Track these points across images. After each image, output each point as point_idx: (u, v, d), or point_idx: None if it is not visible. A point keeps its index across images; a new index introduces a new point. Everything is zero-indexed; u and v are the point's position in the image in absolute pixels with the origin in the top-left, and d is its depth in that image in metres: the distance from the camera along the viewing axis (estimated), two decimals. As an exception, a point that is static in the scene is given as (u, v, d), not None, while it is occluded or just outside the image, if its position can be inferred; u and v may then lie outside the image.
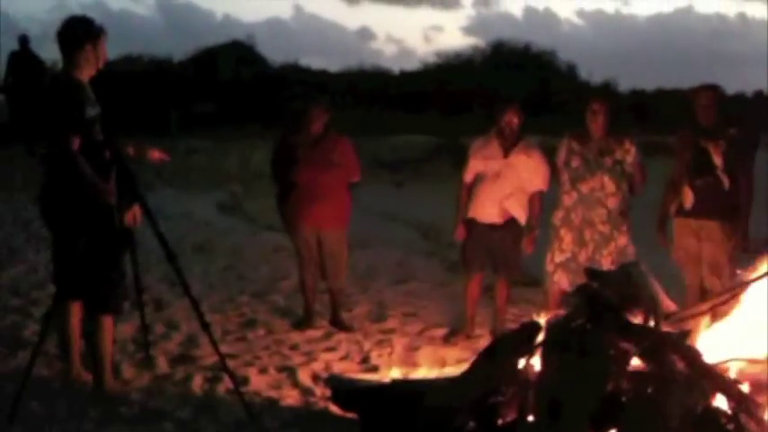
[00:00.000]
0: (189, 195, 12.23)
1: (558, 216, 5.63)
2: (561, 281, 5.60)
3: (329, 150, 5.90)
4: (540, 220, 5.77)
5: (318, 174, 5.82)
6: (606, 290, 3.72)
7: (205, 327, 4.37)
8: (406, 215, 11.12)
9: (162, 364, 5.10)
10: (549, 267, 5.66)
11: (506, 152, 5.64)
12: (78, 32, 4.29)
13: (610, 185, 5.47)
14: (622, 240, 5.50)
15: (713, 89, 5.40)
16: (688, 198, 5.30)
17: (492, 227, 5.66)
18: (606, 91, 20.07)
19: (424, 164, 15.26)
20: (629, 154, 5.52)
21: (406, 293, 7.19)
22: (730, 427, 3.36)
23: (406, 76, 23.26)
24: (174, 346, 5.49)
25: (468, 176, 5.76)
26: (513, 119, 5.64)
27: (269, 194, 6.76)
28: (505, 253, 5.72)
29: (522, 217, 5.69)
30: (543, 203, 5.77)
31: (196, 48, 22.38)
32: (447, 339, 5.76)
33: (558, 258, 5.61)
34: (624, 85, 22.51)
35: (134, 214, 4.37)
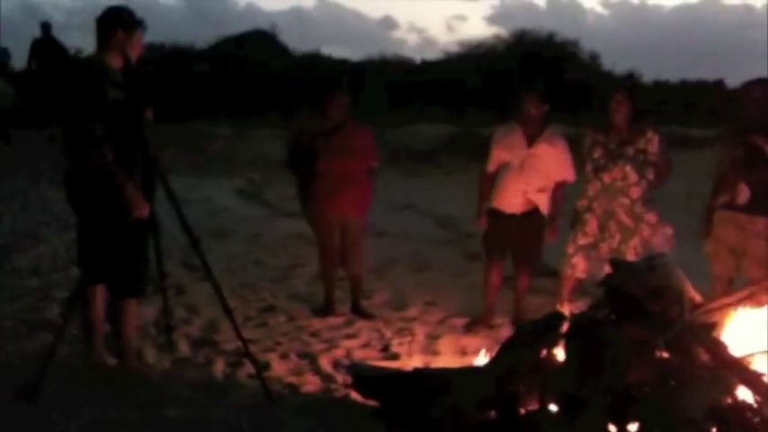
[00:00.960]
0: (208, 182, 12.27)
1: (581, 204, 5.62)
2: (579, 265, 5.59)
3: (350, 138, 5.89)
4: (562, 211, 5.73)
5: (342, 162, 5.82)
6: (630, 281, 3.70)
7: (228, 311, 4.39)
8: (421, 205, 11.10)
9: (183, 348, 5.12)
10: (570, 249, 5.63)
11: (530, 141, 5.61)
12: (113, 19, 4.33)
13: (632, 175, 5.43)
14: (646, 232, 5.45)
15: (765, 83, 5.30)
16: (743, 193, 5.15)
17: (514, 217, 5.64)
18: (629, 81, 19.82)
19: (441, 153, 15.21)
20: (651, 143, 5.46)
21: (424, 282, 7.18)
22: (755, 420, 3.33)
23: (428, 66, 23.09)
24: (195, 331, 5.52)
25: (492, 166, 5.73)
26: (535, 107, 5.60)
27: (288, 182, 6.77)
28: (528, 242, 5.69)
29: (545, 207, 5.66)
30: (565, 194, 5.74)
31: (218, 36, 22.38)
32: (468, 328, 5.75)
33: (582, 241, 5.58)
34: (648, 75, 22.23)
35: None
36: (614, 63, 22.32)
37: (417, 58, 25.73)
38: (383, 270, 7.58)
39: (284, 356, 5.05)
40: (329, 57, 23.05)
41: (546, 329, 3.80)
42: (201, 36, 23.68)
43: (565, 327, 3.73)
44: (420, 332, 5.68)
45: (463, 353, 5.25)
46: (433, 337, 5.58)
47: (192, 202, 9.80)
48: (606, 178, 5.48)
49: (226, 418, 4.00)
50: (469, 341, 5.48)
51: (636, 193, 5.44)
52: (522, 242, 5.69)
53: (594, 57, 22.71)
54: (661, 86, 21.74)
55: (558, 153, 5.63)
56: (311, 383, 4.58)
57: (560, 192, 5.71)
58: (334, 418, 4.02)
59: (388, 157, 15.83)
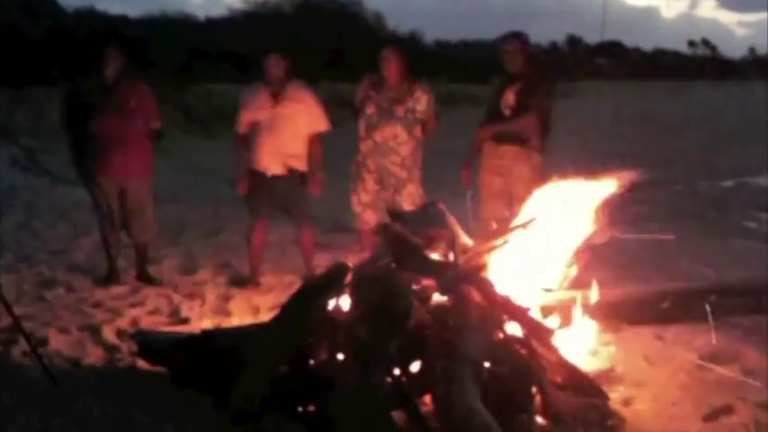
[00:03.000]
0: (-25, 151, 11.27)
1: (356, 161, 5.78)
2: (370, 219, 5.79)
3: (126, 97, 5.62)
4: (323, 162, 5.74)
5: (117, 122, 5.54)
6: (408, 229, 3.85)
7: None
8: (220, 168, 10.86)
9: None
10: (357, 208, 5.85)
11: (275, 101, 5.58)
12: None
13: (402, 135, 5.65)
14: (412, 187, 5.74)
15: (518, 37, 5.65)
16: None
17: (276, 178, 5.61)
18: (412, 41, 20.49)
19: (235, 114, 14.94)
20: (420, 102, 5.69)
21: (218, 245, 7.09)
22: (524, 351, 3.62)
23: (213, 24, 22.49)
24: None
25: (242, 128, 5.66)
26: (276, 66, 5.56)
27: (66, 148, 6.35)
28: (294, 200, 5.70)
29: (302, 165, 5.67)
30: (323, 144, 5.76)
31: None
32: (236, 284, 5.76)
33: (365, 198, 5.79)
34: (430, 35, 23.12)
35: None
36: (398, 23, 22.96)
37: (201, 15, 24.97)
38: (175, 235, 7.38)
39: (64, 330, 4.78)
40: (105, 13, 21.79)
41: (332, 281, 3.87)
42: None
43: (349, 277, 3.81)
44: (211, 295, 5.59)
45: (256, 312, 5.24)
46: (224, 299, 5.52)
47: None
48: (377, 137, 5.67)
49: (2, 400, 3.72)
50: (262, 299, 5.48)
51: (405, 150, 5.69)
52: (289, 201, 5.70)
53: (379, 17, 23.23)
54: (442, 45, 22.67)
55: (306, 107, 5.64)
56: (94, 356, 4.37)
57: (318, 145, 5.71)
58: (119, 387, 3.86)
59: (186, 119, 15.39)
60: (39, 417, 3.54)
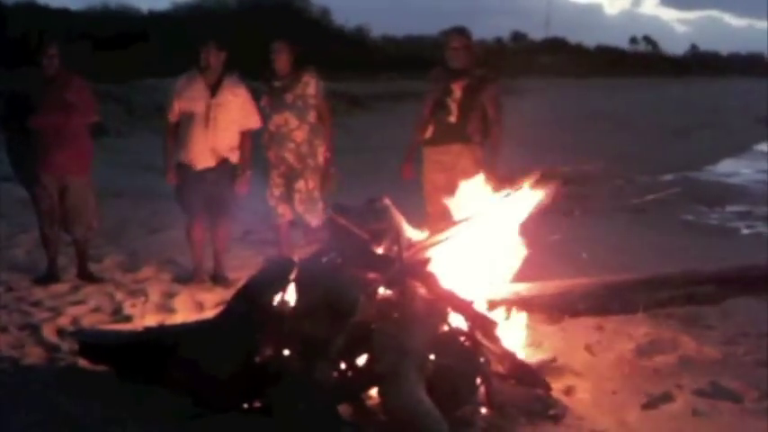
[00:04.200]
0: None
1: (264, 155, 5.81)
2: (285, 213, 5.85)
3: (64, 90, 5.49)
4: (251, 160, 5.75)
5: (55, 116, 5.43)
6: (354, 224, 3.86)
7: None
8: (159, 163, 10.69)
9: None
10: (272, 202, 5.88)
11: (213, 91, 5.53)
12: None
13: (293, 121, 5.69)
14: (310, 182, 5.77)
15: (461, 33, 5.70)
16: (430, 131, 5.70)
17: (205, 171, 5.56)
18: (359, 37, 20.49)
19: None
20: (308, 87, 5.74)
21: (162, 242, 6.98)
22: (468, 343, 3.66)
23: (155, 17, 22.15)
24: None
25: (174, 117, 5.57)
26: (215, 56, 5.53)
27: (1, 143, 6.19)
28: (221, 195, 5.63)
29: (235, 157, 5.64)
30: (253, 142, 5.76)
31: None
32: (180, 281, 5.74)
33: (277, 192, 5.84)
34: (377, 31, 23.16)
35: None
36: (346, 19, 22.95)
37: (144, 8, 24.59)
38: (116, 232, 7.25)
39: (3, 329, 4.66)
40: (46, 6, 21.28)
41: (277, 276, 3.86)
42: None
43: (294, 272, 3.80)
44: (154, 292, 5.51)
45: (201, 308, 5.20)
46: (168, 296, 5.45)
47: None
48: (271, 126, 5.72)
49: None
50: (206, 296, 5.43)
51: (299, 137, 5.72)
52: (217, 195, 5.62)
53: (325, 12, 23.16)
54: (389, 41, 22.72)
55: (241, 101, 5.61)
56: (34, 355, 4.27)
57: (248, 141, 5.70)
58: (59, 387, 3.78)
59: (127, 113, 15.11)
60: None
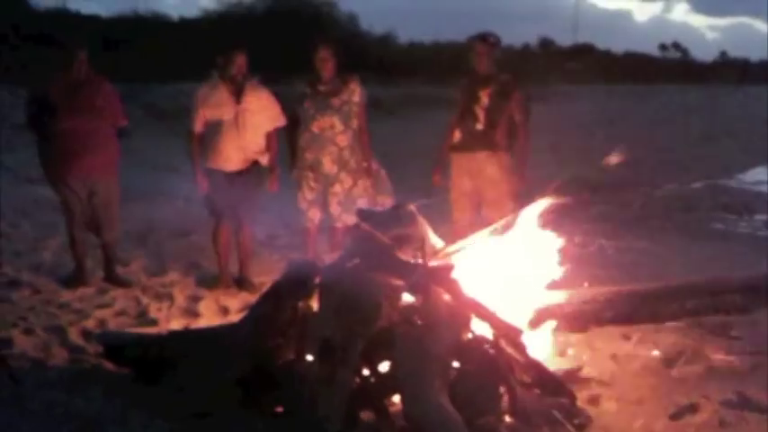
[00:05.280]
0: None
1: (300, 157, 5.76)
2: (315, 217, 5.81)
3: (93, 95, 5.56)
4: (278, 158, 5.77)
5: (85, 121, 5.49)
6: (378, 230, 3.85)
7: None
8: (186, 166, 10.77)
9: None
10: (303, 205, 5.82)
11: (238, 97, 5.57)
12: None
13: (338, 125, 5.67)
14: (347, 183, 5.74)
15: (485, 39, 5.69)
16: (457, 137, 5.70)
17: (234, 174, 5.60)
18: (386, 42, 20.52)
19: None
20: (354, 94, 5.73)
21: (186, 246, 7.01)
22: (492, 351, 3.63)
23: (185, 24, 22.35)
24: None
25: (198, 125, 5.60)
26: (242, 63, 5.57)
27: (29, 145, 6.27)
28: (250, 198, 5.69)
29: (264, 159, 5.69)
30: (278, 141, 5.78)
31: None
32: (205, 285, 5.76)
33: (310, 196, 5.78)
34: (403, 37, 23.18)
35: None
36: (371, 24, 23.00)
37: (175, 15, 24.83)
38: (142, 235, 7.30)
39: (28, 331, 4.71)
40: (77, 13, 21.56)
41: (300, 281, 3.86)
42: None
43: (318, 277, 3.80)
44: (180, 295, 5.55)
45: (225, 312, 5.22)
46: (193, 300, 5.48)
47: None
48: (315, 128, 5.67)
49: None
50: (231, 301, 5.45)
51: (343, 141, 5.70)
52: (245, 198, 5.67)
53: (352, 17, 23.22)
54: (416, 47, 22.71)
55: (265, 104, 5.66)
56: (59, 357, 4.32)
57: (274, 140, 5.75)
58: (83, 389, 3.80)
59: (153, 117, 15.23)
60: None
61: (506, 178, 5.60)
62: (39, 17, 19.96)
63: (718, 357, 4.34)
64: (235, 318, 4.73)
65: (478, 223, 4.83)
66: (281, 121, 5.70)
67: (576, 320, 4.25)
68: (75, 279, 5.78)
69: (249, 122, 5.54)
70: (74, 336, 4.66)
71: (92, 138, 5.52)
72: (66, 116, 5.47)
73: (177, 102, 15.19)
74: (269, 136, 5.68)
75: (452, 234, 4.31)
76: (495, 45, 5.69)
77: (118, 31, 19.21)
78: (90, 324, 4.89)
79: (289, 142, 5.85)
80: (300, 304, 3.82)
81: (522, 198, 5.13)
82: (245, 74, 5.58)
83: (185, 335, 4.24)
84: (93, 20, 21.16)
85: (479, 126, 5.60)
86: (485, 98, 5.58)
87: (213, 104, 5.54)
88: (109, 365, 4.07)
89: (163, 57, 18.20)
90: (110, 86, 5.76)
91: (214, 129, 5.54)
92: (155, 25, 21.71)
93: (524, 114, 5.64)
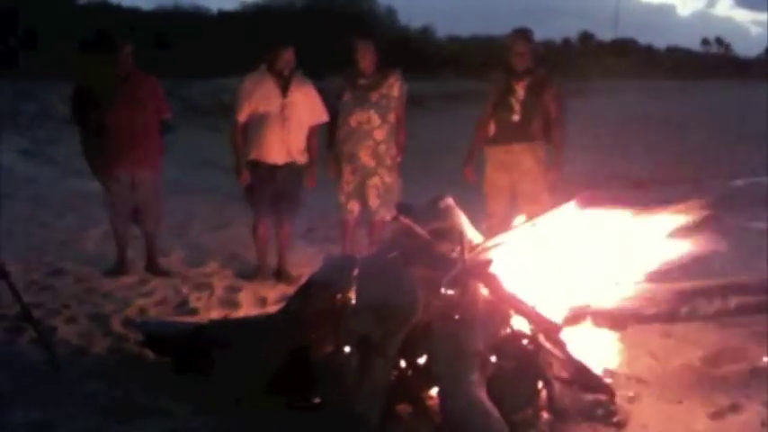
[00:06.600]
0: (-15, 140, 11.28)
1: (336, 152, 5.78)
2: (354, 209, 5.80)
3: (137, 89, 5.64)
4: (317, 155, 5.80)
5: (129, 115, 5.58)
6: (417, 223, 3.85)
7: (2, 275, 4.07)
8: (224, 160, 10.86)
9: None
10: (342, 198, 5.83)
11: (284, 91, 5.58)
12: None
13: (375, 119, 5.65)
14: (386, 177, 5.74)
15: (524, 35, 5.65)
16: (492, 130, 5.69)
17: (276, 167, 5.62)
18: (424, 37, 20.46)
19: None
20: (393, 89, 5.72)
21: (225, 238, 7.08)
22: (530, 346, 3.61)
23: (224, 17, 22.52)
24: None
25: (243, 117, 5.61)
26: (291, 58, 5.60)
27: (74, 139, 6.38)
28: (290, 192, 5.71)
29: (304, 158, 5.71)
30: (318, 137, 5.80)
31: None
32: (243, 276, 5.80)
33: (348, 189, 5.79)
34: (442, 31, 23.11)
35: None
36: (409, 18, 22.96)
37: (214, 7, 25.04)
38: (182, 227, 7.39)
39: (71, 320, 4.80)
40: (118, 5, 21.84)
41: (338, 275, 3.87)
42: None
43: (356, 271, 3.80)
44: (219, 286, 5.61)
45: (264, 303, 5.26)
46: (232, 290, 5.53)
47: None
48: (352, 122, 5.67)
49: (4, 386, 3.75)
50: (270, 292, 5.49)
51: (380, 135, 5.68)
52: (286, 192, 5.69)
53: (391, 12, 23.20)
54: (454, 41, 22.62)
55: (310, 99, 5.67)
56: (101, 345, 4.39)
57: (314, 136, 5.76)
58: (124, 377, 3.87)
59: (191, 111, 15.39)
60: (40, 403, 3.57)
61: (542, 171, 5.57)
62: (82, 11, 20.26)
63: (761, 357, 4.27)
64: (273, 309, 4.76)
65: (513, 217, 4.79)
66: (323, 116, 5.71)
67: (617, 318, 4.20)
68: (117, 269, 5.87)
69: (294, 116, 5.57)
70: (115, 324, 4.73)
71: (136, 131, 5.60)
72: (110, 110, 5.55)
73: (217, 98, 15.35)
74: (310, 132, 5.70)
75: (488, 228, 4.28)
76: (531, 40, 5.66)
77: (162, 27, 19.39)
78: (131, 313, 4.96)
79: (327, 135, 5.88)
80: (339, 297, 3.83)
81: (558, 192, 5.10)
82: (292, 68, 5.60)
83: (225, 324, 4.28)
84: (134, 13, 21.39)
85: (516, 117, 5.58)
86: (521, 90, 5.55)
87: (259, 97, 5.56)
88: (149, 354, 4.13)
89: (203, 52, 18.35)
90: (154, 80, 5.85)
91: (258, 121, 5.56)
92: (196, 19, 21.88)
93: (559, 109, 5.61)
